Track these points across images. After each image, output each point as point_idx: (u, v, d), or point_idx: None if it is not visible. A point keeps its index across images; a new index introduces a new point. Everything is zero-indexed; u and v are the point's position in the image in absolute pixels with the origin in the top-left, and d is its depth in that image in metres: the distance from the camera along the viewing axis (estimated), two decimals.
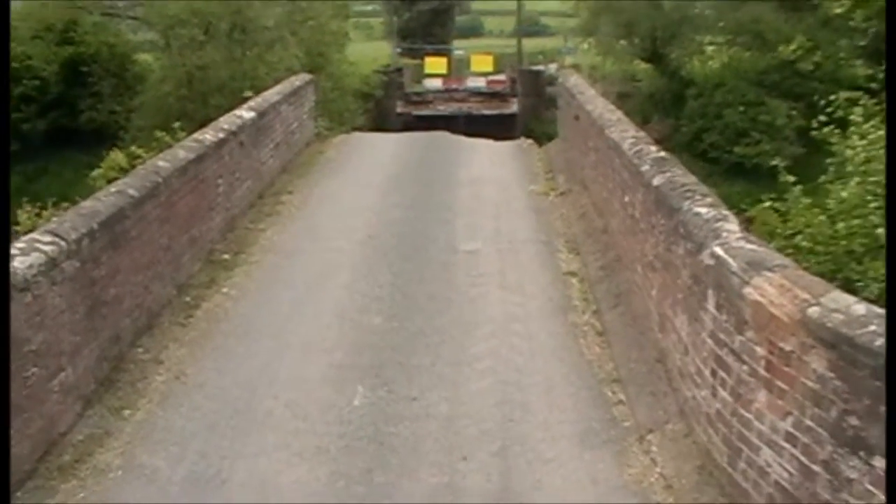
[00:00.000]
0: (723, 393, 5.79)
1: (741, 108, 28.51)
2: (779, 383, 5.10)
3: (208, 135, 10.86)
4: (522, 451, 6.55)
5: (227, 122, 11.78)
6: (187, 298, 9.21)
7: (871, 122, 10.85)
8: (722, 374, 5.80)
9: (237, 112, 12.54)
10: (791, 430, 4.98)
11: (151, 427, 6.88)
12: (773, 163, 27.10)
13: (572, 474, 6.32)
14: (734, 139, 28.58)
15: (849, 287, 9.29)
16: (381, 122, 30.42)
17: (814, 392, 4.76)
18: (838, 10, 15.65)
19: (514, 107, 32.78)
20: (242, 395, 7.35)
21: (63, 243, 6.74)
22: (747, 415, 5.44)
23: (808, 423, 4.81)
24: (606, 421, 6.96)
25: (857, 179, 10.31)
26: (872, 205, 9.74)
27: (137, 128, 27.08)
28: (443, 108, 32.67)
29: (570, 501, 6.03)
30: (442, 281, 9.82)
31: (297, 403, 7.19)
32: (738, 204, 27.21)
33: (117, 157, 12.33)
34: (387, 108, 31.86)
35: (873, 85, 11.42)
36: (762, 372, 5.27)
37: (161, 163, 9.25)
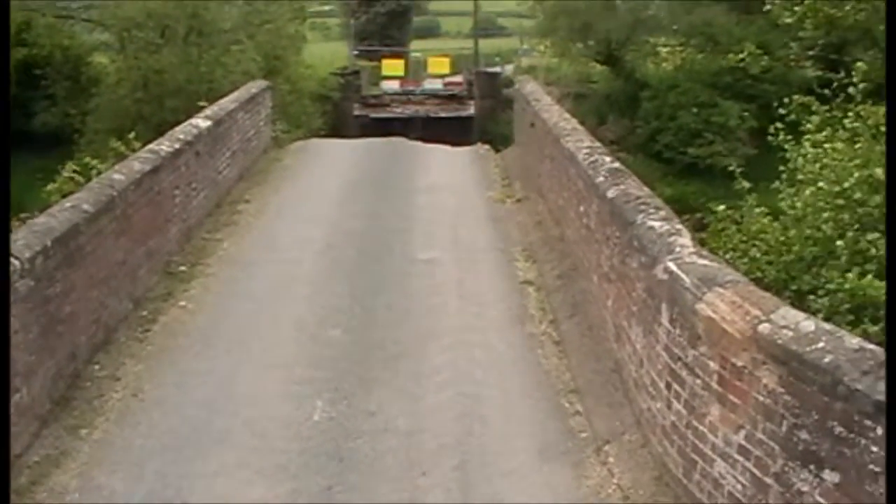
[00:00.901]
0: (677, 405, 5.89)
1: (694, 110, 28.81)
2: (731, 397, 5.20)
3: (164, 145, 10.77)
4: (481, 464, 6.60)
5: (182, 131, 11.69)
6: (144, 312, 9.15)
7: (824, 133, 11.01)
8: (676, 386, 5.89)
9: (193, 121, 12.45)
10: (744, 443, 5.08)
11: (109, 447, 6.81)
12: (726, 163, 27.48)
13: (531, 487, 6.39)
14: (688, 140, 28.89)
15: (801, 297, 9.45)
16: (339, 124, 30.29)
17: (765, 406, 4.86)
18: (789, 20, 15.88)
19: (470, 109, 32.79)
20: (200, 412, 7.30)
21: (16, 262, 6.63)
22: (701, 427, 5.54)
23: (760, 436, 4.92)
24: (564, 432, 7.03)
25: (811, 189, 10.46)
26: (825, 214, 9.92)
27: (93, 131, 26.74)
28: (400, 111, 32.61)
29: None
30: (400, 291, 9.85)
31: (256, 420, 7.16)
32: (692, 203, 27.63)
33: (71, 174, 12.11)
34: (344, 111, 31.72)
35: (826, 91, 11.55)
36: (715, 386, 5.37)
37: (116, 176, 9.17)
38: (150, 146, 10.75)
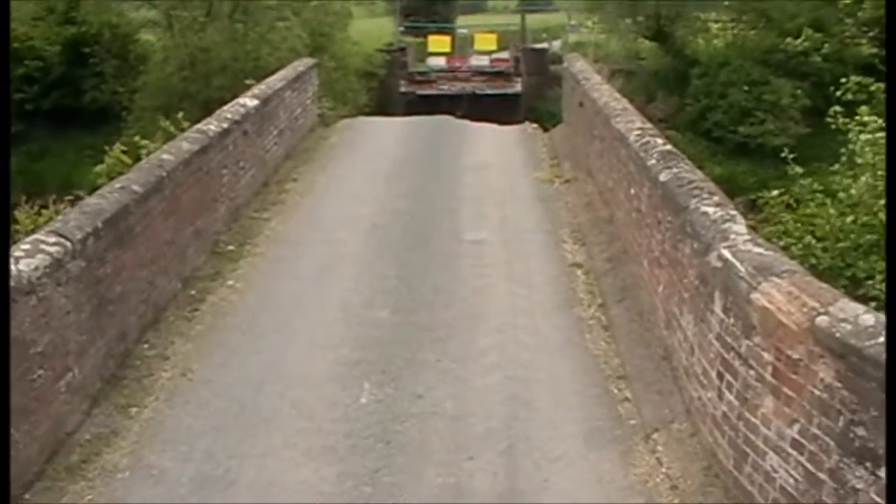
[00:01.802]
0: (729, 396, 5.79)
1: (746, 88, 28.35)
2: (786, 390, 5.10)
3: (212, 125, 10.81)
4: (528, 450, 6.56)
5: (230, 111, 11.73)
6: (193, 292, 9.21)
7: (880, 120, 10.69)
8: (728, 377, 5.80)
9: (240, 100, 12.48)
10: (797, 437, 4.98)
11: (158, 426, 6.89)
12: (778, 143, 26.99)
13: (578, 474, 6.34)
14: (739, 118, 28.46)
15: (857, 284, 9.22)
16: (385, 101, 30.27)
17: (821, 401, 4.76)
18: (847, 1, 15.62)
19: (517, 86, 32.54)
20: (249, 392, 7.35)
21: (68, 244, 6.71)
22: (754, 419, 5.44)
23: (815, 431, 4.82)
24: (612, 419, 6.97)
25: (868, 175, 10.19)
26: (882, 201, 9.64)
27: (141, 108, 27.05)
28: (446, 88, 32.48)
29: (576, 502, 6.05)
30: (448, 272, 9.81)
31: (304, 401, 7.20)
32: (742, 183, 27.22)
33: (119, 155, 12.13)
34: (390, 88, 31.67)
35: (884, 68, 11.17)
36: (769, 378, 5.26)
37: (165, 156, 9.22)
38: (199, 126, 10.78)
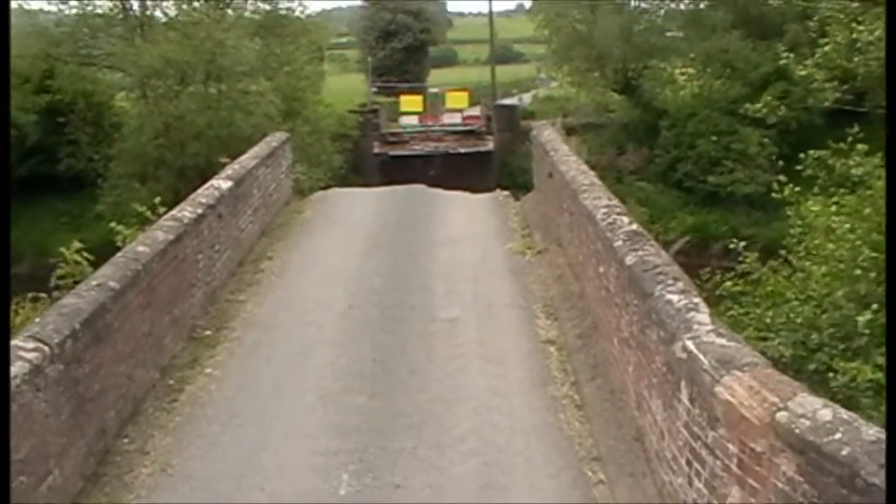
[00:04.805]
0: (698, 483, 5.94)
1: (714, 138, 28.92)
2: (751, 481, 5.25)
3: (186, 211, 10.92)
4: None
5: (204, 194, 11.82)
6: (171, 381, 9.26)
7: (834, 200, 10.85)
8: (697, 465, 5.95)
9: (214, 182, 12.57)
10: None
11: None
12: (748, 190, 27.26)
13: None
14: (708, 168, 28.99)
15: (822, 374, 9.23)
16: (359, 163, 30.60)
17: (784, 493, 4.90)
18: (803, 73, 16.11)
19: (489, 144, 32.95)
20: (228, 487, 7.42)
21: (46, 348, 6.79)
22: None
23: None
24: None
25: (823, 269, 10.27)
26: (839, 293, 9.70)
27: (116, 175, 27.25)
28: (419, 148, 32.84)
29: None
30: (422, 354, 9.90)
31: (283, 495, 7.27)
32: (714, 231, 27.51)
33: (75, 256, 11.92)
34: (364, 149, 31.99)
35: (841, 144, 11.32)
36: (735, 469, 5.42)
37: (140, 248, 9.32)
38: (173, 213, 10.86)
